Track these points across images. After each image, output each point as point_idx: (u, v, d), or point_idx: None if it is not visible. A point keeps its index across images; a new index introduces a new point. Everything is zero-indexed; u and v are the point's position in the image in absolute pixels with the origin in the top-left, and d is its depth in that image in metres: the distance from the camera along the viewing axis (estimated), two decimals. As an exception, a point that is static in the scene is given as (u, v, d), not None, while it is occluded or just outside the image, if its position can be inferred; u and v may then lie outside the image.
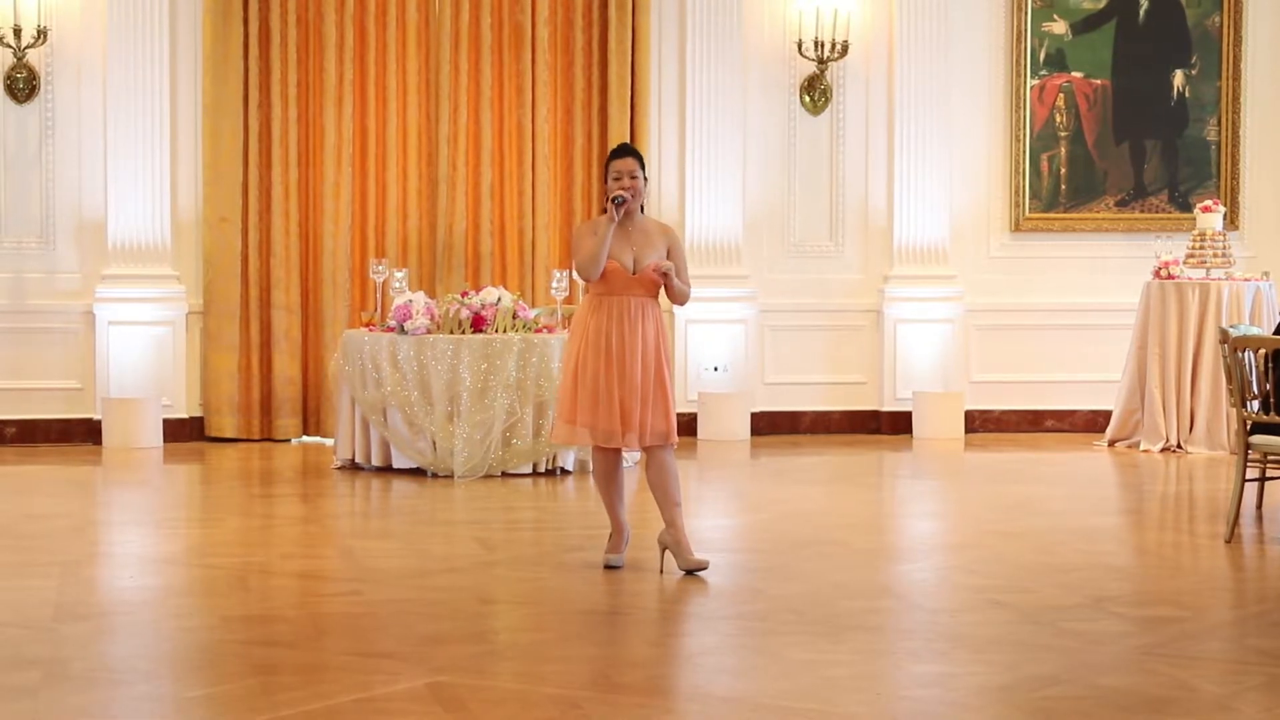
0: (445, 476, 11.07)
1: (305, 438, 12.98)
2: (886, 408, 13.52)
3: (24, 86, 12.65)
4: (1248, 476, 9.13)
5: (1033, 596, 7.60)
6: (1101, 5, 13.78)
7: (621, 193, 8.00)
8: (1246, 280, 12.73)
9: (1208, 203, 13.01)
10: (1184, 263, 12.85)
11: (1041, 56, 13.72)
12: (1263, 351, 8.85)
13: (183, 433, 12.81)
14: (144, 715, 5.89)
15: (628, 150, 8.19)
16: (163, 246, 12.76)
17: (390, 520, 10.06)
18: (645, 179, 8.15)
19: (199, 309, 12.91)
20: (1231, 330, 9.14)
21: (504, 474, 11.14)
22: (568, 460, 11.30)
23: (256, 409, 12.91)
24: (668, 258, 8.13)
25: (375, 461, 11.37)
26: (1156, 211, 13.86)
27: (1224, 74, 13.82)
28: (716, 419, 13.08)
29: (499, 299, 11.43)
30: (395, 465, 11.32)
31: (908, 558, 8.95)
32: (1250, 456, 9.11)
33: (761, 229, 13.54)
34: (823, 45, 13.31)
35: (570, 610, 7.42)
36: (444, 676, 6.19)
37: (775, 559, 8.54)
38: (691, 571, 7.98)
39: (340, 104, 12.91)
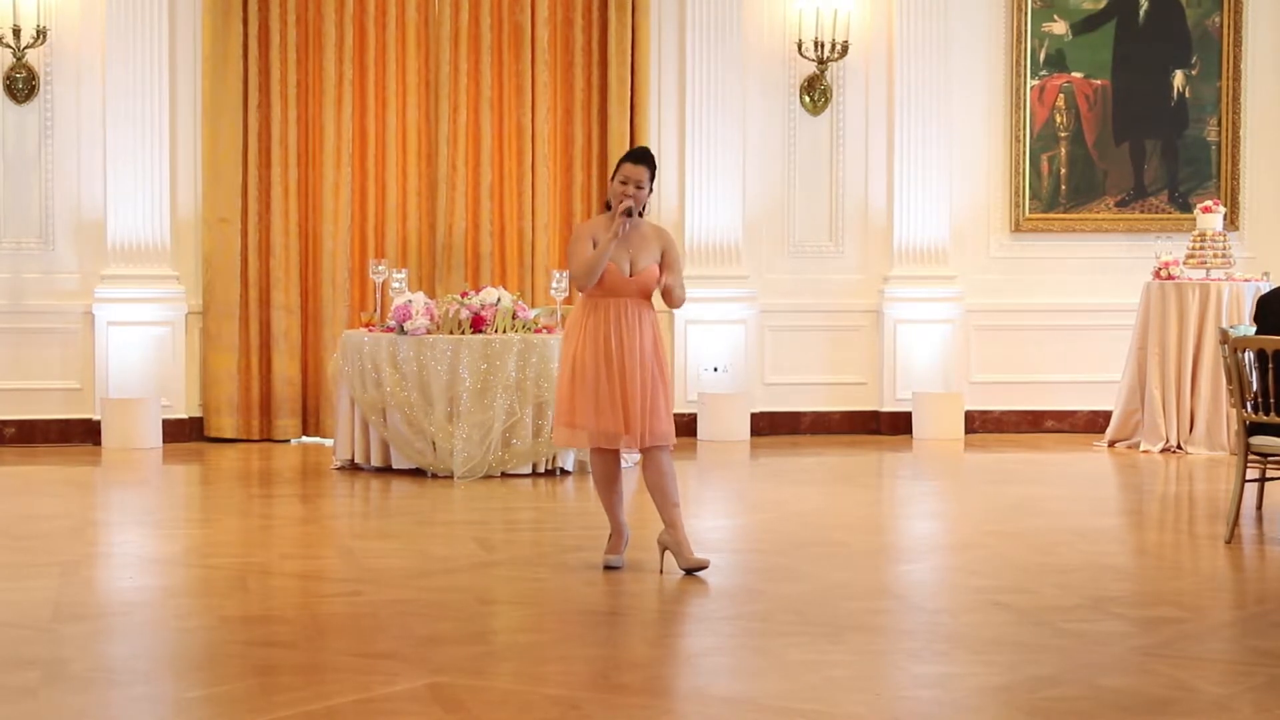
0: (445, 477, 11.07)
1: (305, 438, 12.97)
2: (886, 408, 13.52)
3: (23, 87, 12.65)
4: (1248, 477, 9.13)
5: (1033, 597, 7.60)
6: (1101, 5, 13.78)
7: (633, 204, 7.97)
8: (1246, 280, 12.72)
9: (1208, 203, 13.00)
10: (1184, 263, 12.84)
11: (1041, 57, 13.72)
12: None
13: (182, 433, 12.80)
14: (144, 715, 5.89)
15: (643, 156, 8.06)
16: (162, 247, 12.75)
17: (390, 521, 10.06)
18: (651, 189, 8.11)
19: (198, 309, 12.91)
20: (1231, 331, 9.13)
21: (503, 474, 11.14)
22: (567, 461, 11.30)
23: (256, 409, 12.91)
24: (662, 259, 8.12)
25: (375, 462, 11.37)
26: (1156, 212, 13.86)
27: (1224, 74, 13.81)
28: (716, 419, 13.08)
29: (498, 299, 11.42)
30: (395, 466, 11.32)
31: (908, 558, 8.95)
32: (1250, 457, 9.10)
33: (761, 229, 13.53)
34: (822, 45, 13.31)
35: (570, 611, 7.42)
36: (444, 677, 6.18)
37: (775, 559, 8.53)
38: (691, 571, 7.97)
39: (340, 104, 12.91)
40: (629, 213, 7.95)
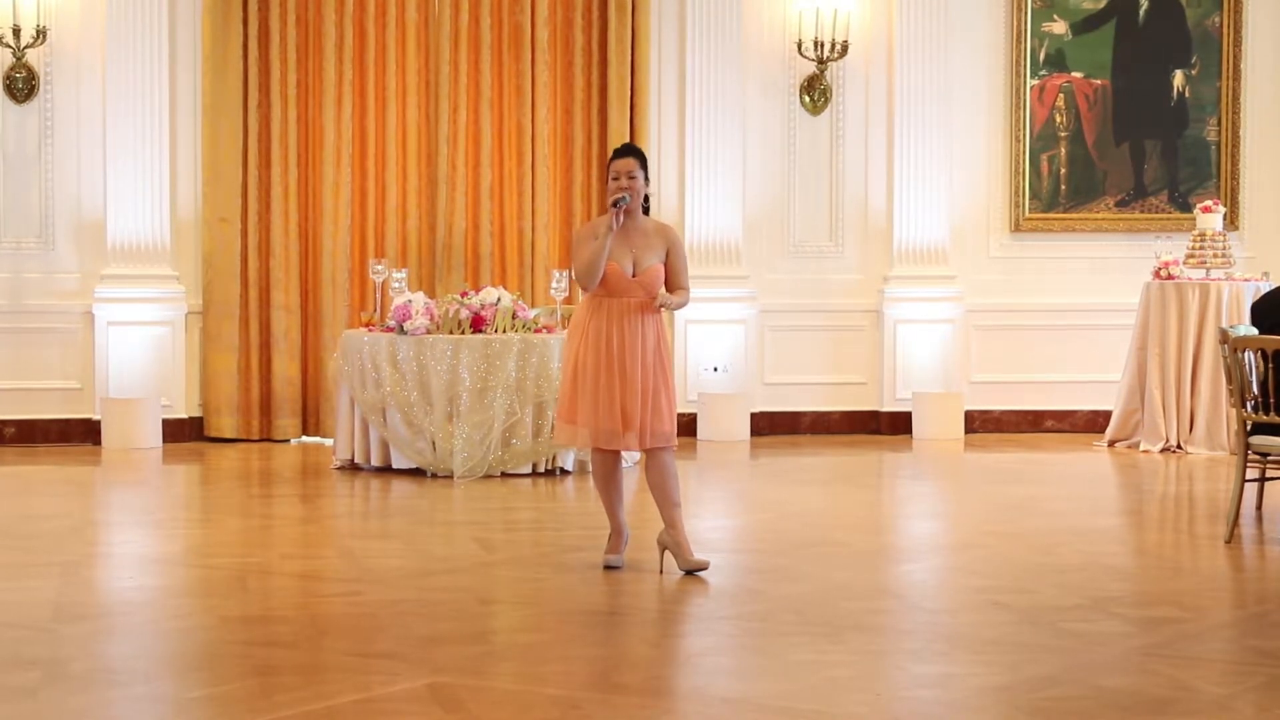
0: (445, 477, 11.07)
1: (304, 438, 12.97)
2: (886, 408, 13.52)
3: (23, 86, 12.65)
4: (1248, 477, 9.13)
5: (1033, 597, 7.60)
6: (1101, 5, 13.77)
7: (623, 194, 7.99)
8: (1246, 280, 12.72)
9: (1208, 203, 13.01)
10: (1184, 263, 12.85)
11: (1041, 56, 13.72)
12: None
13: (182, 433, 12.80)
14: (144, 716, 5.89)
15: (628, 150, 8.16)
16: (162, 247, 12.75)
17: (390, 520, 10.06)
18: (647, 179, 8.13)
19: (198, 309, 12.91)
20: (1231, 331, 9.13)
21: (503, 474, 11.14)
22: (567, 461, 11.30)
23: (256, 409, 12.91)
24: (667, 259, 8.14)
25: (375, 462, 11.37)
26: (1156, 212, 13.86)
27: (1224, 74, 13.81)
28: (716, 419, 13.07)
29: (498, 299, 11.43)
30: (395, 465, 11.32)
31: (908, 558, 8.95)
32: (1250, 457, 9.10)
33: (761, 229, 13.53)
34: (822, 45, 13.31)
35: (570, 611, 7.42)
36: (443, 677, 6.19)
37: (775, 559, 8.53)
38: (691, 572, 7.98)
39: (340, 104, 12.91)
40: (616, 204, 7.97)
